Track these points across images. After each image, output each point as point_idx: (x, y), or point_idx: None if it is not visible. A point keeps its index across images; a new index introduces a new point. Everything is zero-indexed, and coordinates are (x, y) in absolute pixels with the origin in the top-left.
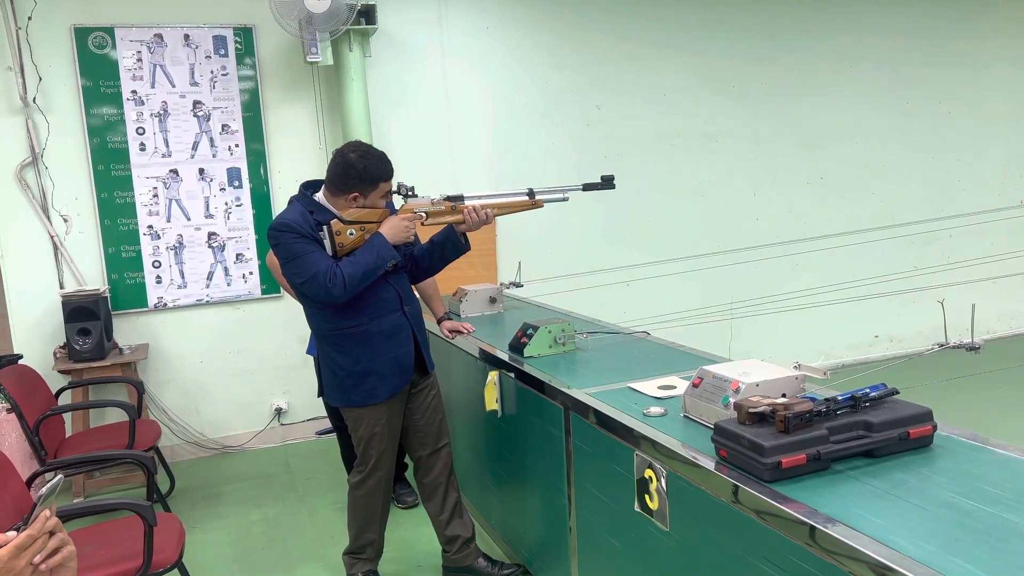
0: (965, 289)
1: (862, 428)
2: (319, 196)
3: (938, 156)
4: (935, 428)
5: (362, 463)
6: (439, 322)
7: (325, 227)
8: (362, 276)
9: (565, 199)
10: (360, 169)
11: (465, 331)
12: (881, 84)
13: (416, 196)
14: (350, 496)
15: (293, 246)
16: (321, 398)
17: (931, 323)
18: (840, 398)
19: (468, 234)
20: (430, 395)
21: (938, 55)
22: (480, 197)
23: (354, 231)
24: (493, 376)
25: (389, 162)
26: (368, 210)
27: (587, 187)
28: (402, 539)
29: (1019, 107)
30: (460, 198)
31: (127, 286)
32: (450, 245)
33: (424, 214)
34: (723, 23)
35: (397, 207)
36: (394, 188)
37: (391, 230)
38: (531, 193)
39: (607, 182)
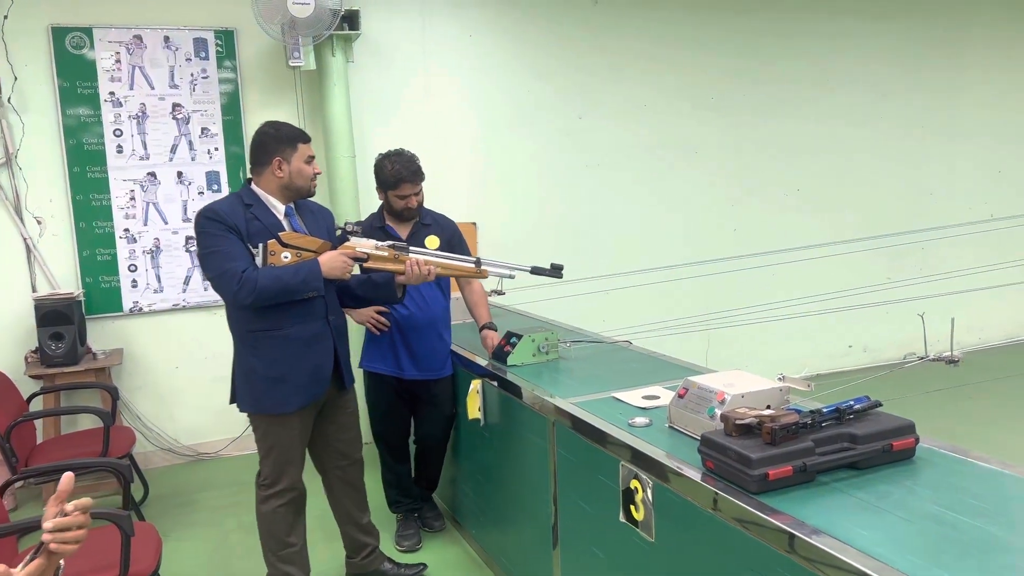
0: (936, 301)
1: (847, 440)
2: (255, 187)
3: (912, 171)
4: (917, 440)
5: (267, 477)
6: (481, 329)
7: (261, 245)
8: (276, 293)
9: (511, 276)
10: (274, 133)
11: (489, 347)
12: (858, 100)
13: (360, 236)
14: (257, 513)
15: (215, 238)
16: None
17: (904, 334)
18: (825, 410)
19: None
20: (346, 412)
21: (914, 73)
22: (427, 253)
23: (289, 255)
24: (476, 385)
25: (304, 131)
26: (308, 238)
27: (535, 271)
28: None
29: (990, 125)
30: (405, 249)
31: (102, 290)
32: (384, 290)
33: (365, 255)
34: (705, 37)
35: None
36: (341, 224)
37: (329, 263)
38: (478, 262)
39: (555, 270)
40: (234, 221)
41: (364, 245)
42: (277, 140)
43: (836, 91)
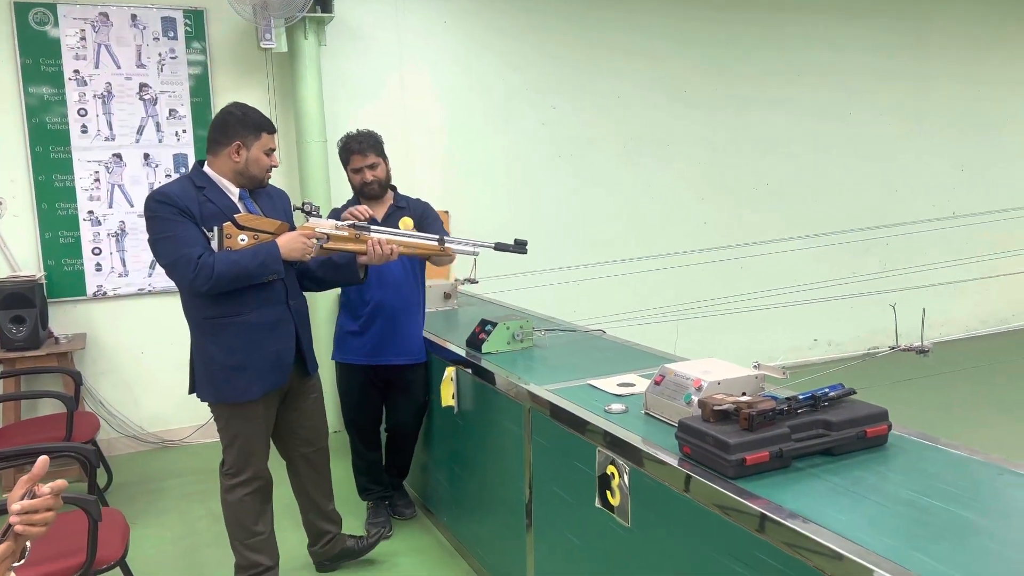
0: (899, 296)
1: (822, 427)
2: (208, 168)
3: (878, 167)
4: (890, 427)
5: (232, 466)
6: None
7: (216, 228)
8: (234, 278)
9: (476, 254)
10: (240, 116)
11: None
12: (827, 97)
13: (320, 216)
14: (223, 503)
15: (167, 223)
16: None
17: (867, 329)
18: (801, 397)
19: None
20: (310, 398)
21: (881, 71)
22: (389, 232)
23: (246, 237)
24: (450, 372)
25: (271, 122)
26: (265, 220)
27: (499, 247)
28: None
29: (955, 123)
30: (367, 228)
31: (65, 273)
32: (345, 271)
33: (325, 235)
34: (679, 31)
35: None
36: (298, 204)
37: (288, 244)
38: (441, 240)
39: (519, 246)
40: (186, 204)
41: (323, 225)
42: (241, 124)
43: (806, 87)
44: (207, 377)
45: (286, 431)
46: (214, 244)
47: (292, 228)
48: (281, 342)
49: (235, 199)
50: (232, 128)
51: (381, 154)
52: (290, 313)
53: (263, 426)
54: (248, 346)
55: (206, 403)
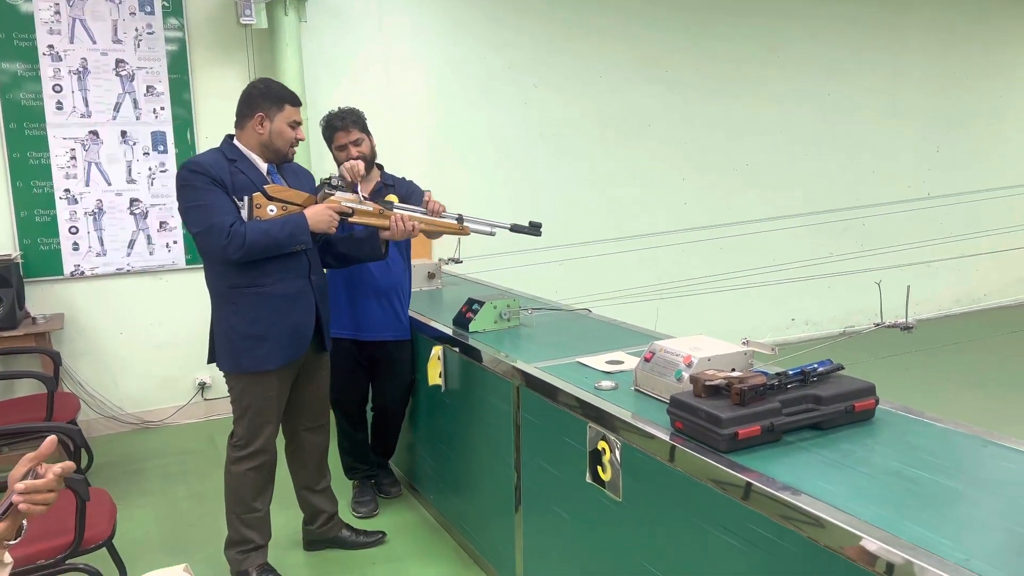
0: (876, 275)
1: (811, 401)
2: (237, 142)
3: (855, 149)
4: (877, 402)
5: (241, 437)
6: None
7: (246, 198)
8: (264, 247)
9: (492, 234)
10: (263, 88)
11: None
12: (805, 79)
13: (344, 191)
14: (226, 474)
15: (200, 191)
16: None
17: (845, 307)
18: (791, 372)
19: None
20: (320, 374)
21: (859, 53)
22: (411, 209)
23: (275, 208)
24: (437, 351)
25: (296, 95)
26: (294, 191)
27: (514, 228)
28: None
29: (928, 106)
30: (390, 205)
31: (41, 252)
32: (368, 246)
33: (350, 209)
34: (660, 11)
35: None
36: (325, 178)
37: (315, 216)
38: (460, 219)
39: (534, 228)
40: (218, 174)
41: (349, 199)
42: (264, 96)
43: (784, 69)
44: (227, 346)
45: (296, 405)
46: (243, 214)
47: (317, 203)
48: (301, 315)
49: (264, 172)
50: (255, 100)
51: (364, 130)
52: (311, 287)
53: (276, 399)
54: (269, 316)
55: (199, 383)
